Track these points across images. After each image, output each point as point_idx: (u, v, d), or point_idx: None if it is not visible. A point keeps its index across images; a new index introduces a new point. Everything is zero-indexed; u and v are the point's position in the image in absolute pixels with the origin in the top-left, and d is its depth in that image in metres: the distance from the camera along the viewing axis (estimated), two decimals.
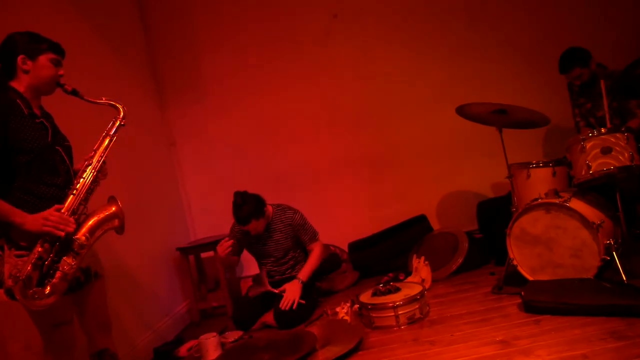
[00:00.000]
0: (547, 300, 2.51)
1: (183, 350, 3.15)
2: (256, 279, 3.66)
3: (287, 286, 3.32)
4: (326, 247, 4.15)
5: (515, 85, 4.10)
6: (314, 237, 3.52)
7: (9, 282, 1.75)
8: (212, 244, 3.93)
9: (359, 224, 4.31)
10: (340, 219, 4.37)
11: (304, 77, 4.41)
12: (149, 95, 4.34)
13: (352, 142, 4.40)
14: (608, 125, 2.97)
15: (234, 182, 4.33)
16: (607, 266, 2.67)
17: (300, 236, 3.49)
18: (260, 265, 3.62)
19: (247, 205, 3.27)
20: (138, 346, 3.14)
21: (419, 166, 4.34)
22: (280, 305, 3.21)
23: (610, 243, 2.62)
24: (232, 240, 3.31)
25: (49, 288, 1.81)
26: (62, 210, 1.87)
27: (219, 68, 4.48)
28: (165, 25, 4.47)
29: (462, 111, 3.23)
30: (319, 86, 4.41)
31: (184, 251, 4.01)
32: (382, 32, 4.32)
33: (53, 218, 1.81)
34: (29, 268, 1.77)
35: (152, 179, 4.01)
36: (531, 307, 2.55)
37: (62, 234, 1.83)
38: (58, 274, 1.83)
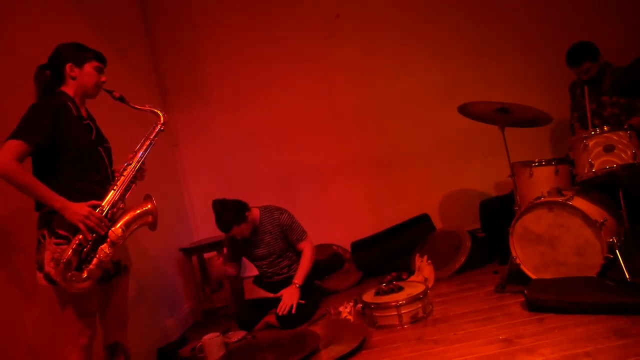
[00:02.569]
0: (551, 299, 2.51)
1: (186, 350, 3.15)
2: (256, 282, 3.67)
3: (285, 292, 3.31)
4: (328, 246, 4.16)
5: (518, 84, 4.10)
6: (302, 236, 3.49)
7: (51, 266, 1.91)
8: (215, 245, 3.94)
9: (361, 223, 4.31)
10: (343, 219, 4.37)
11: (306, 78, 4.42)
12: (152, 96, 4.34)
13: (354, 142, 4.40)
14: (589, 126, 2.99)
15: (237, 182, 4.36)
16: (610, 264, 2.66)
17: (288, 236, 3.48)
18: (258, 268, 3.62)
19: (226, 213, 3.29)
20: (142, 346, 3.14)
21: (421, 165, 4.34)
22: (277, 311, 3.21)
23: (613, 241, 2.62)
24: (221, 258, 3.33)
25: (86, 273, 1.96)
26: (101, 207, 2.02)
27: (222, 69, 4.48)
28: (167, 26, 4.48)
29: (465, 110, 3.23)
30: (322, 86, 4.41)
31: (187, 252, 4.01)
32: (384, 32, 4.32)
33: (93, 219, 1.96)
34: (69, 253, 1.93)
35: (155, 180, 3.98)
36: (534, 306, 2.55)
37: (102, 232, 1.99)
38: (95, 261, 1.98)
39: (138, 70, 4.16)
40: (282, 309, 3.19)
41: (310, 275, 3.46)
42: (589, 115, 3.05)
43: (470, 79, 4.19)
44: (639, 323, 2.17)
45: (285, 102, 4.43)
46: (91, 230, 1.96)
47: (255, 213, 3.46)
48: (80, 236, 1.95)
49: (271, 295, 3.40)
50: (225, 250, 3.60)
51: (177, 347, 3.26)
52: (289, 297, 3.25)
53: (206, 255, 4.18)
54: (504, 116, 3.11)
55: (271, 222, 3.47)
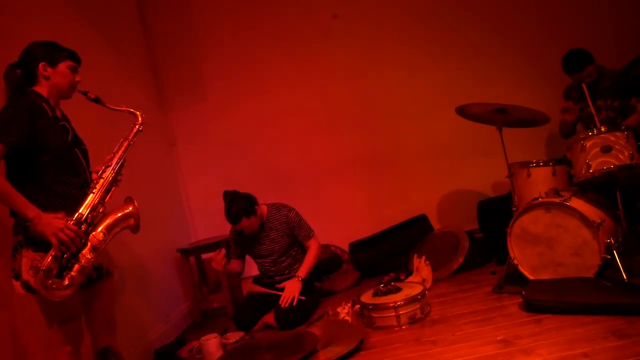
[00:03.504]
0: (548, 299, 2.51)
1: (184, 351, 3.15)
2: (256, 281, 3.67)
3: (287, 283, 3.34)
4: (326, 247, 4.16)
5: (515, 85, 4.11)
6: (309, 233, 3.52)
7: (30, 274, 1.84)
8: (213, 245, 3.93)
9: (359, 223, 4.31)
10: (341, 219, 4.37)
11: (304, 78, 4.42)
12: (150, 96, 4.34)
13: (352, 142, 4.40)
14: (597, 125, 2.99)
15: (234, 182, 4.33)
16: (607, 265, 2.67)
17: (295, 233, 3.49)
18: (259, 265, 3.62)
19: (236, 204, 3.29)
20: (139, 347, 3.14)
21: (419, 166, 4.35)
22: (280, 302, 3.22)
23: (610, 242, 2.62)
24: (223, 250, 3.33)
25: (67, 280, 1.90)
26: (79, 213, 1.96)
27: (220, 69, 4.48)
28: (165, 26, 4.48)
29: (462, 111, 3.24)
30: (319, 86, 4.42)
31: (185, 252, 4.01)
32: (382, 32, 4.33)
33: (68, 233, 1.88)
34: (49, 260, 1.86)
35: (152, 180, 4.01)
36: (532, 306, 2.55)
37: (73, 249, 1.91)
38: (76, 267, 1.93)
39: (136, 69, 4.15)
40: (285, 300, 3.20)
41: (311, 275, 3.47)
42: (593, 111, 3.05)
43: (468, 80, 4.20)
44: (637, 323, 2.17)
45: (283, 102, 4.43)
46: (65, 244, 1.87)
47: (263, 209, 3.47)
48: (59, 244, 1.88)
49: (273, 291, 3.39)
50: (229, 245, 3.57)
51: (175, 348, 3.25)
52: (291, 290, 3.27)
53: (204, 256, 4.18)
54: (501, 117, 3.12)
55: (278, 219, 3.48)
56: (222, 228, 4.17)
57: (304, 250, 3.56)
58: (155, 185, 4.04)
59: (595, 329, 2.21)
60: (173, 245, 4.03)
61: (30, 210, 1.85)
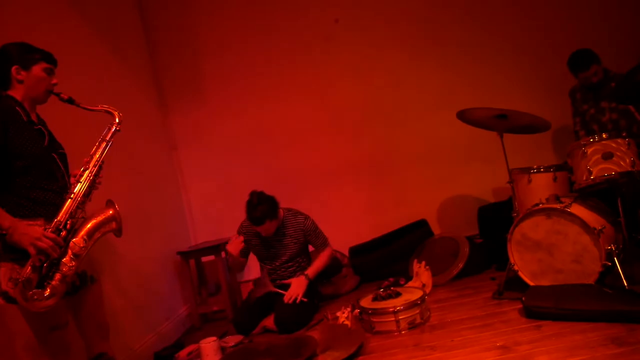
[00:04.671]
0: (548, 306, 2.50)
1: (183, 354, 3.14)
2: (258, 283, 3.66)
3: (294, 280, 3.36)
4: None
5: (517, 90, 4.12)
6: (325, 242, 3.54)
7: (9, 286, 1.78)
8: (213, 248, 3.94)
9: (359, 228, 4.31)
10: (342, 224, 4.36)
11: (305, 82, 4.43)
12: (151, 99, 4.35)
13: (353, 147, 4.40)
14: (596, 129, 3.00)
15: (235, 186, 4.35)
16: (608, 272, 2.66)
17: (311, 241, 3.51)
18: (263, 268, 3.61)
19: (262, 205, 3.27)
20: (138, 350, 3.13)
21: (419, 171, 4.35)
22: (284, 299, 3.23)
23: (611, 249, 2.62)
24: (242, 237, 3.31)
25: (48, 290, 1.84)
26: (57, 221, 1.90)
27: (221, 72, 4.49)
28: (166, 29, 4.49)
29: (463, 116, 3.24)
30: (320, 91, 4.42)
31: (185, 255, 4.00)
32: (383, 37, 4.34)
33: (46, 241, 1.82)
34: (28, 270, 1.80)
35: (153, 183, 4.01)
36: (532, 313, 2.55)
37: (55, 255, 1.86)
38: (57, 276, 1.87)
39: (137, 72, 4.16)
40: (289, 297, 3.23)
41: (315, 280, 3.47)
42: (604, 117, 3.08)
43: (469, 85, 4.21)
44: (637, 331, 2.17)
45: (284, 107, 4.44)
46: (43, 253, 1.81)
47: (280, 213, 3.46)
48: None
49: (278, 290, 3.40)
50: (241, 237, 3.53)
51: (174, 351, 3.25)
52: (297, 288, 3.29)
53: (204, 259, 4.18)
54: (502, 122, 3.12)
55: (294, 226, 3.48)
56: (223, 231, 4.18)
57: (310, 261, 3.56)
58: (156, 188, 4.04)
59: (595, 336, 2.20)
60: (173, 248, 4.03)
61: (5, 220, 1.79)
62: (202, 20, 4.48)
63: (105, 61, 3.60)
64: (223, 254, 3.42)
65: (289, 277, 3.50)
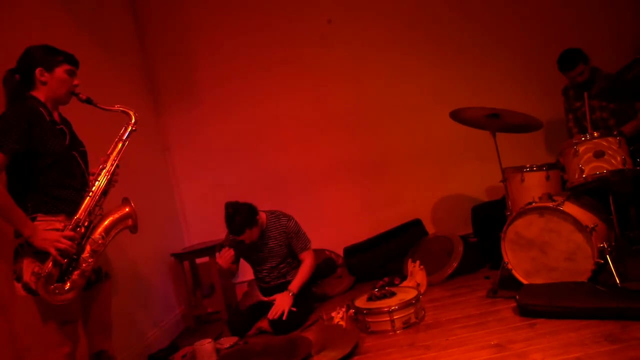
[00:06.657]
0: (542, 304, 2.51)
1: (178, 356, 3.13)
2: (246, 294, 3.65)
3: (278, 297, 3.31)
4: (321, 251, 4.15)
5: (509, 90, 4.14)
6: (305, 245, 3.50)
7: (32, 280, 1.87)
8: (207, 250, 3.92)
9: (354, 228, 4.31)
10: (336, 224, 4.37)
11: (298, 83, 4.43)
12: (144, 100, 4.33)
13: (346, 147, 4.41)
14: (589, 128, 3.03)
15: (229, 187, 4.34)
16: (601, 269, 2.68)
17: (292, 244, 3.47)
18: (256, 272, 3.60)
19: (239, 215, 3.25)
20: (132, 352, 3.12)
21: (413, 170, 4.36)
22: (268, 315, 3.20)
23: (604, 246, 2.63)
24: (232, 250, 3.30)
25: (68, 284, 1.94)
26: (76, 218, 1.99)
27: (214, 74, 4.48)
28: (160, 31, 4.47)
29: (456, 115, 3.25)
30: (313, 91, 4.42)
31: (179, 257, 3.99)
32: (376, 37, 4.34)
33: (65, 242, 1.90)
34: (49, 265, 1.88)
35: (146, 184, 4.00)
36: (526, 311, 2.56)
37: (73, 252, 1.94)
38: (77, 271, 1.96)
39: (130, 74, 4.14)
40: (273, 313, 3.19)
41: (307, 282, 3.46)
42: (588, 120, 3.09)
43: (462, 85, 4.22)
44: (630, 328, 2.18)
45: (277, 107, 4.44)
46: (65, 253, 1.90)
47: (262, 217, 3.45)
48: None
49: (267, 299, 3.39)
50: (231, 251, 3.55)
51: (168, 353, 3.24)
52: (281, 303, 3.24)
53: (198, 260, 4.16)
54: (495, 121, 3.13)
55: (277, 228, 3.46)
56: (216, 233, 4.15)
57: (299, 261, 3.55)
58: (149, 190, 4.03)
59: (589, 334, 2.21)
60: (167, 250, 4.01)
61: (27, 229, 1.87)
62: (195, 22, 4.47)
63: (98, 63, 3.58)
64: (232, 251, 3.42)
65: (280, 277, 3.50)
